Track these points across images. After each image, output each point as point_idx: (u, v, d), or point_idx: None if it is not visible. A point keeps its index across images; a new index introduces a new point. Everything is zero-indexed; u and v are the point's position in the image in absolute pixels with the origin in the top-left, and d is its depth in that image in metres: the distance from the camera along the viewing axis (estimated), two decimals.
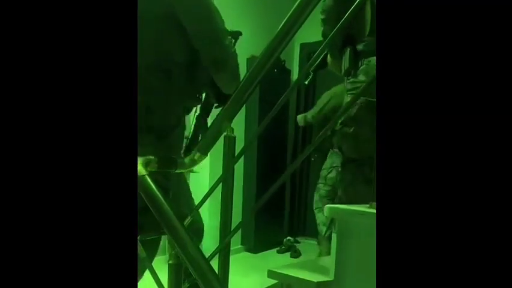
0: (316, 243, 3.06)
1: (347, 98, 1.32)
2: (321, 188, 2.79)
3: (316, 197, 2.83)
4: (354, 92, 1.27)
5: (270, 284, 2.24)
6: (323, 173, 2.81)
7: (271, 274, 0.93)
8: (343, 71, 1.34)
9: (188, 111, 1.31)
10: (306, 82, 2.75)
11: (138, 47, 1.15)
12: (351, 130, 1.26)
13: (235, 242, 3.19)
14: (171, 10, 1.09)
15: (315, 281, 0.84)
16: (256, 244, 3.27)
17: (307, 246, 3.59)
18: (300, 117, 2.89)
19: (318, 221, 2.78)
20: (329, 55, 1.47)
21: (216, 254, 1.02)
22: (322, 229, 2.72)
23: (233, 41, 1.21)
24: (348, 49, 1.29)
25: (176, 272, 0.76)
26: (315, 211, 2.82)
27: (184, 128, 1.29)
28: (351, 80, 1.30)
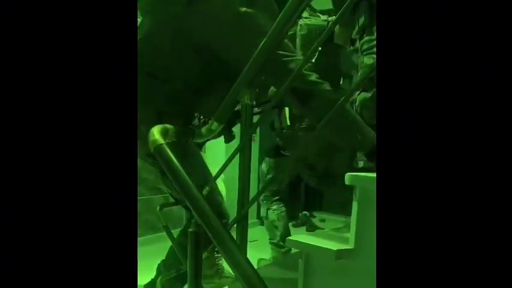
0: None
1: (363, 60, 1.24)
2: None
3: None
4: (370, 51, 1.19)
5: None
6: None
7: (289, 242, 0.94)
8: (356, 29, 1.27)
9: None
10: (313, 60, 2.64)
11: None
12: (371, 94, 1.19)
13: (251, 216, 3.22)
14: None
15: (335, 249, 0.84)
16: None
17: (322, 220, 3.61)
18: None
19: None
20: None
21: (234, 224, 1.02)
22: None
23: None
24: (363, 3, 1.21)
25: (196, 239, 0.76)
26: None
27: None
28: (366, 38, 1.23)
